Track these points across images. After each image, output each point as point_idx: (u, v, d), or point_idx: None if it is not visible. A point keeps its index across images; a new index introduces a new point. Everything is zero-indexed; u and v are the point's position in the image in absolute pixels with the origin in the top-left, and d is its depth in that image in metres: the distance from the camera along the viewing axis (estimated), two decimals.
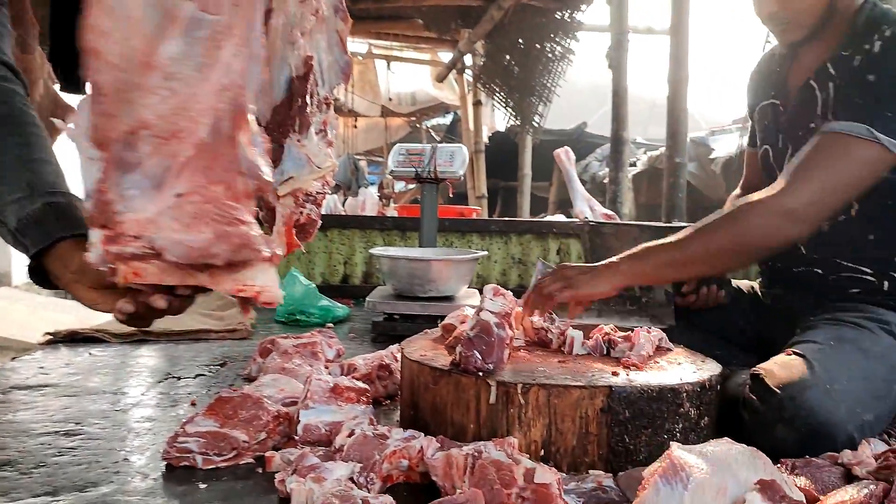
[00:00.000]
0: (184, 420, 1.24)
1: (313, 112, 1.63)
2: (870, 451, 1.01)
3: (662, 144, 5.83)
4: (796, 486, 0.89)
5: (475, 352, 1.15)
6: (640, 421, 1.08)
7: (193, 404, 1.55)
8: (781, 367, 1.20)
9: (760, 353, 1.39)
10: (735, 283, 1.85)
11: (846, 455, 1.01)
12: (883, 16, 1.39)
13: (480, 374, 1.13)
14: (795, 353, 1.24)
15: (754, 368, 1.24)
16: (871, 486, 0.88)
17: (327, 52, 1.69)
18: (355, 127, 10.19)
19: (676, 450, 0.84)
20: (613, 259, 1.46)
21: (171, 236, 0.92)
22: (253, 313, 2.69)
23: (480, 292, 2.64)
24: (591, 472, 1.06)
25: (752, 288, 1.82)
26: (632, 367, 1.20)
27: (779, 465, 1.01)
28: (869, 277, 1.45)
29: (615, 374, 1.15)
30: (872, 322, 1.35)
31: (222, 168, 0.96)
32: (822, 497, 0.92)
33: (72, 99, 2.18)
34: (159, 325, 2.38)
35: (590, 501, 0.96)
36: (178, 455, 1.16)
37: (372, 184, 10.57)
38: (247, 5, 0.99)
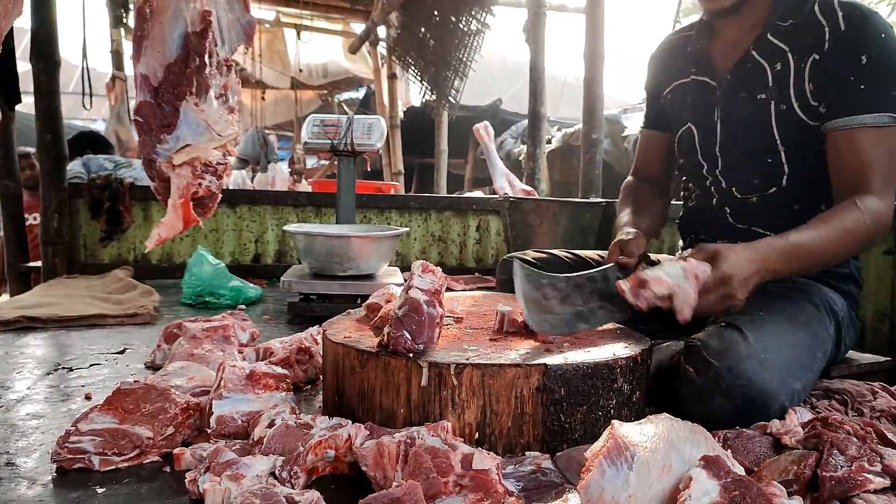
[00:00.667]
0: (77, 416, 1.11)
1: (212, 74, 1.49)
2: (797, 419, 1.03)
3: (574, 123, 5.94)
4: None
5: (405, 332, 1.08)
6: (576, 398, 1.06)
7: (88, 398, 1.40)
8: (717, 339, 1.20)
9: (685, 326, 1.40)
10: (656, 256, 1.88)
11: (775, 425, 1.03)
12: None
13: (411, 355, 1.06)
14: (728, 324, 1.25)
15: (690, 339, 1.24)
16: (803, 455, 0.89)
17: (227, 9, 1.54)
18: (263, 99, 9.72)
19: (619, 428, 0.81)
20: (770, 265, 1.25)
21: None
22: (156, 296, 2.50)
23: (401, 270, 2.58)
24: (528, 453, 1.03)
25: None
26: (560, 345, 1.17)
27: (713, 437, 1.01)
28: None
29: (548, 350, 1.12)
30: (797, 292, 1.39)
31: None
32: (755, 469, 0.93)
33: None
34: (47, 310, 2.17)
35: (530, 485, 0.92)
36: (70, 457, 1.03)
37: (282, 159, 10.19)
38: None
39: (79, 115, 4.43)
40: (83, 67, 4.59)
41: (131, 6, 5.77)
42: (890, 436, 0.94)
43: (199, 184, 1.46)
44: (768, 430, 1.02)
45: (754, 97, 1.47)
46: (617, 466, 0.78)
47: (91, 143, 4.04)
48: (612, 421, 0.84)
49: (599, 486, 0.77)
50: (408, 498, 0.77)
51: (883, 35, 1.32)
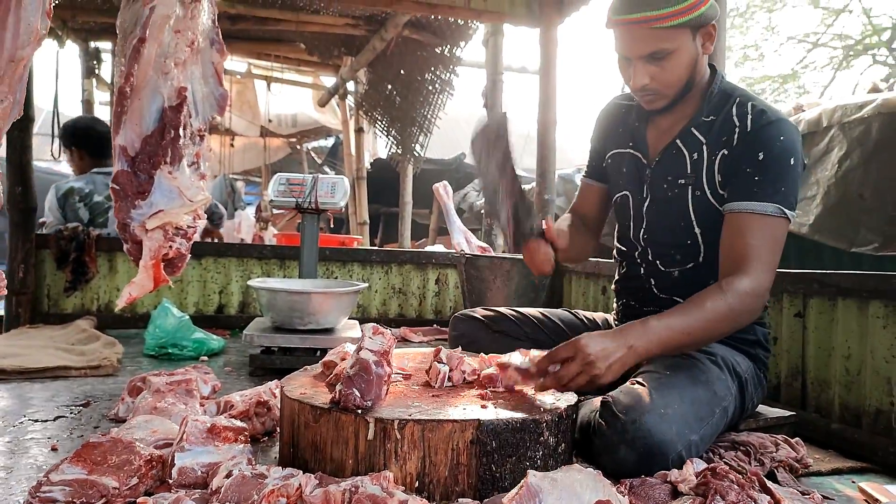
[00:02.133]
0: (45, 468, 1.19)
1: (186, 144, 1.62)
2: (692, 469, 1.19)
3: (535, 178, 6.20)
4: (632, 502, 1.04)
5: (354, 390, 1.21)
6: (506, 450, 1.19)
7: (54, 449, 1.48)
8: (626, 395, 1.37)
9: (617, 381, 1.56)
10: (593, 315, 2.06)
11: (673, 474, 1.18)
12: (731, 88, 1.67)
13: (360, 411, 1.19)
14: (638, 382, 1.42)
15: (604, 396, 1.40)
16: (690, 501, 1.04)
17: (202, 83, 1.69)
18: (232, 146, 9.86)
19: (531, 477, 0.95)
20: (630, 341, 1.41)
21: None
22: (120, 347, 2.57)
23: (360, 323, 2.70)
24: (460, 500, 1.15)
25: (607, 321, 2.03)
26: (496, 399, 1.32)
27: (619, 485, 1.16)
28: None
29: (484, 406, 1.26)
30: (702, 353, 1.56)
31: None
32: None
33: None
34: (11, 361, 2.22)
35: None
36: None
37: (249, 204, 10.26)
38: None
39: (43, 156, 4.48)
40: (55, 114, 4.68)
41: (103, 58, 5.92)
42: (770, 484, 1.10)
43: (170, 246, 1.58)
44: (668, 479, 1.17)
45: (676, 182, 1.68)
46: None
47: (85, 136, 3.68)
48: (528, 471, 0.98)
49: None
50: None
51: (782, 138, 1.53)
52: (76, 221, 3.35)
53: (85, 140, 3.58)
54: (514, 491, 0.94)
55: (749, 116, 1.59)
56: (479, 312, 2.10)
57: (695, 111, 1.68)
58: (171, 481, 1.23)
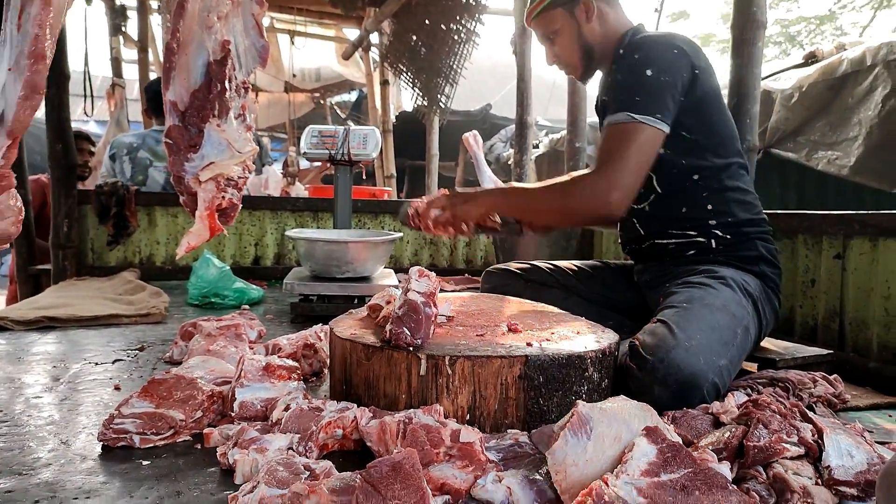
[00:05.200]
0: (111, 405, 1.27)
1: (232, 97, 1.65)
2: (734, 402, 1.22)
3: (563, 125, 6.12)
4: (675, 431, 1.07)
5: (405, 328, 1.25)
6: (553, 385, 1.23)
7: (117, 388, 1.56)
8: (650, 335, 1.40)
9: (643, 320, 1.60)
10: (623, 262, 2.11)
11: (715, 406, 1.21)
12: (638, 37, 1.76)
13: (411, 349, 1.24)
14: (659, 320, 1.45)
15: (630, 340, 1.43)
16: (733, 429, 1.07)
17: (243, 35, 1.71)
18: (257, 102, 9.87)
19: (581, 406, 0.99)
20: (482, 191, 1.84)
21: None
22: (166, 297, 2.66)
23: (395, 272, 2.75)
24: (510, 431, 1.20)
25: (628, 269, 2.07)
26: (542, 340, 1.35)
27: (663, 417, 1.19)
28: (698, 238, 1.74)
29: (529, 344, 1.30)
30: (712, 279, 1.60)
31: None
32: (695, 440, 1.11)
33: None
34: (65, 311, 2.32)
35: (507, 455, 1.10)
36: (114, 436, 1.20)
37: (276, 160, 10.32)
38: None
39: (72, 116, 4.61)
40: (85, 74, 4.73)
41: (129, 15, 5.91)
42: (810, 414, 1.12)
43: (223, 196, 1.62)
44: (709, 411, 1.20)
45: (603, 129, 1.83)
46: (578, 437, 0.96)
47: (150, 97, 3.93)
48: (577, 401, 1.02)
49: (564, 452, 0.95)
50: (406, 462, 0.94)
51: (636, 56, 1.67)
52: (120, 176, 3.43)
53: (150, 100, 3.68)
54: (564, 419, 0.99)
55: (621, 51, 1.74)
56: (512, 266, 2.14)
57: (608, 70, 1.87)
58: (233, 414, 1.30)
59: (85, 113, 4.79)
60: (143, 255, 3.46)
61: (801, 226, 2.08)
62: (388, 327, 1.28)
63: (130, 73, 6.81)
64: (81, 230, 3.31)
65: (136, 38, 6.03)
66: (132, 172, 3.46)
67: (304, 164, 9.35)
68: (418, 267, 1.37)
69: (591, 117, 5.46)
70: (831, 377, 1.55)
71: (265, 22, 7.99)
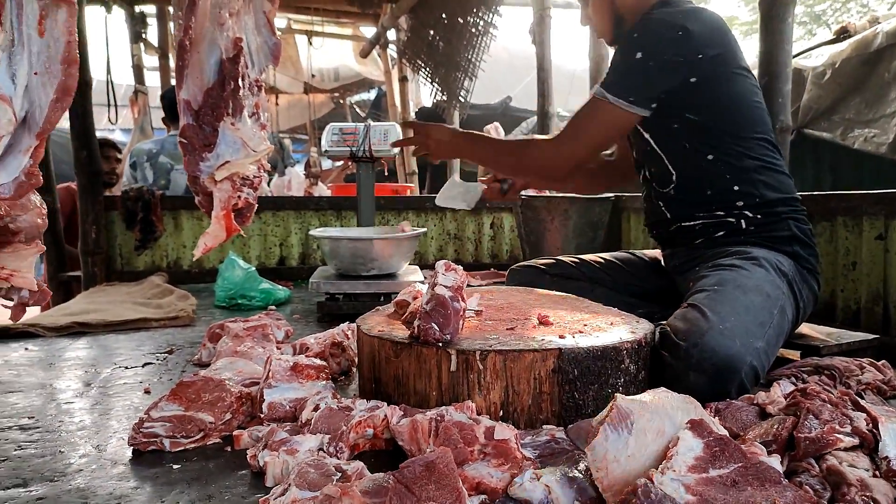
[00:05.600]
0: (141, 408, 1.26)
1: (245, 95, 1.64)
2: (780, 392, 1.16)
3: None
4: (721, 424, 1.02)
5: (433, 324, 1.22)
6: (588, 378, 1.19)
7: (147, 392, 1.56)
8: (681, 320, 1.35)
9: (674, 307, 1.55)
10: (651, 252, 2.06)
11: (760, 396, 1.16)
12: (667, 11, 1.71)
13: (440, 344, 1.20)
14: (690, 305, 1.40)
15: (661, 325, 1.38)
16: (782, 420, 1.02)
17: (255, 33, 1.69)
18: (277, 104, 9.91)
19: (620, 400, 0.95)
20: (458, 136, 2.03)
21: None
22: (193, 300, 2.67)
23: (420, 268, 2.72)
24: (545, 426, 1.16)
25: (657, 256, 2.01)
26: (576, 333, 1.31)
27: (705, 409, 1.15)
28: (727, 219, 1.69)
29: (562, 336, 1.26)
30: (744, 259, 1.54)
31: None
32: (741, 433, 1.06)
33: None
34: (95, 316, 2.34)
35: (544, 452, 1.06)
36: (145, 440, 1.19)
37: (298, 162, 10.36)
38: None
39: (97, 125, 4.68)
40: (108, 82, 4.79)
41: (149, 22, 5.97)
42: (863, 403, 1.07)
43: (239, 196, 1.61)
44: (755, 402, 1.15)
45: None
46: (619, 432, 0.92)
47: (166, 105, 4.02)
48: (616, 394, 0.98)
49: (604, 447, 0.91)
50: (441, 461, 0.91)
51: (635, 35, 1.66)
52: (143, 182, 3.46)
53: (166, 108, 3.70)
54: (603, 413, 0.94)
55: (631, 27, 1.73)
56: (537, 262, 2.10)
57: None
58: (262, 415, 1.28)
59: (110, 121, 4.85)
60: (171, 259, 3.48)
61: (840, 207, 2.00)
62: (416, 323, 1.25)
63: (153, 80, 6.88)
64: (109, 236, 3.35)
65: (156, 44, 6.09)
66: (154, 178, 3.49)
67: (326, 164, 9.38)
68: (444, 261, 1.33)
69: None
70: (879, 363, 1.48)
71: (282, 23, 8.03)
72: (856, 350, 1.61)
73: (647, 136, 1.79)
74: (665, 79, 1.63)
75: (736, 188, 1.67)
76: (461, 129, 2.04)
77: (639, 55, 1.62)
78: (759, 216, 1.66)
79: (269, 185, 7.77)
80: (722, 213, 1.70)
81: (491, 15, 5.83)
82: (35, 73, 1.09)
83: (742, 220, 1.67)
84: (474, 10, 5.89)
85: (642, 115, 1.68)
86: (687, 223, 1.77)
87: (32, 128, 1.09)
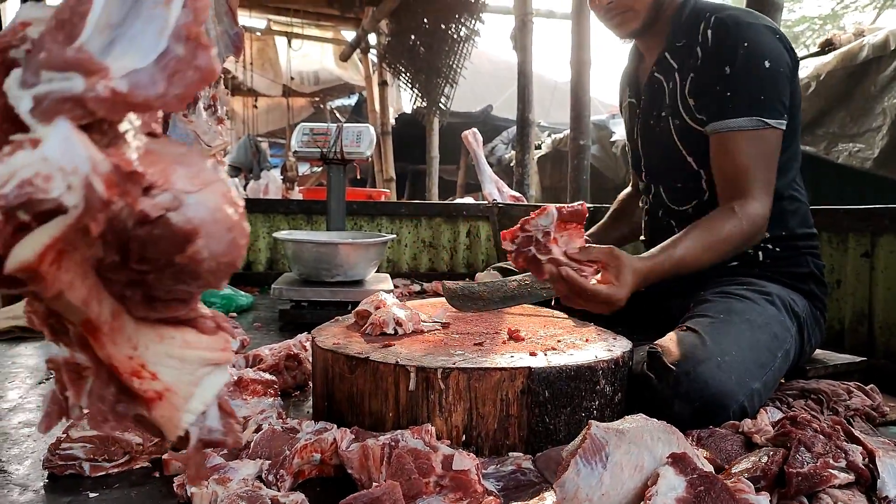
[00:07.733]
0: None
1: None
2: (767, 419, 1.07)
3: (565, 128, 5.99)
4: (704, 455, 0.92)
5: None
6: (560, 400, 1.09)
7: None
8: (676, 344, 1.23)
9: (659, 327, 1.44)
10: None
11: (746, 424, 1.06)
12: (704, 8, 1.51)
13: (398, 360, 1.09)
14: (689, 328, 1.28)
15: (651, 346, 1.26)
16: (770, 453, 0.92)
17: (215, 21, 1.57)
18: (255, 107, 9.76)
19: (595, 428, 0.84)
20: (649, 276, 1.33)
21: None
22: None
23: (392, 277, 2.60)
24: (511, 454, 1.05)
25: None
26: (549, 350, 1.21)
27: (686, 436, 1.04)
28: (746, 250, 1.50)
29: (533, 354, 1.15)
30: (757, 293, 1.42)
31: None
32: (726, 466, 0.96)
33: None
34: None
35: (509, 484, 0.95)
36: (61, 463, 1.05)
37: (275, 166, 10.20)
38: None
39: None
40: None
41: None
42: (857, 433, 0.97)
43: None
44: (740, 429, 1.05)
45: (659, 114, 1.60)
46: (592, 465, 0.81)
47: None
48: (590, 421, 0.87)
49: (574, 484, 0.80)
50: (387, 497, 0.80)
51: (746, 43, 1.41)
52: None
53: None
54: (576, 441, 0.84)
55: (710, 31, 1.47)
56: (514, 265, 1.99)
57: (666, 37, 1.57)
58: None
59: None
60: None
61: (824, 222, 1.92)
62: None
63: None
64: None
65: None
66: None
67: (303, 168, 9.23)
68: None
69: (596, 115, 5.32)
70: (867, 388, 1.40)
71: (262, 24, 7.91)
72: (842, 373, 1.53)
73: (683, 151, 1.54)
74: (787, 87, 1.43)
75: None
76: (643, 264, 1.33)
77: (767, 63, 1.39)
78: (778, 249, 1.52)
79: (244, 188, 7.61)
80: None
81: (473, 22, 5.78)
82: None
83: (760, 252, 1.53)
84: (456, 17, 5.83)
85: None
86: None
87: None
